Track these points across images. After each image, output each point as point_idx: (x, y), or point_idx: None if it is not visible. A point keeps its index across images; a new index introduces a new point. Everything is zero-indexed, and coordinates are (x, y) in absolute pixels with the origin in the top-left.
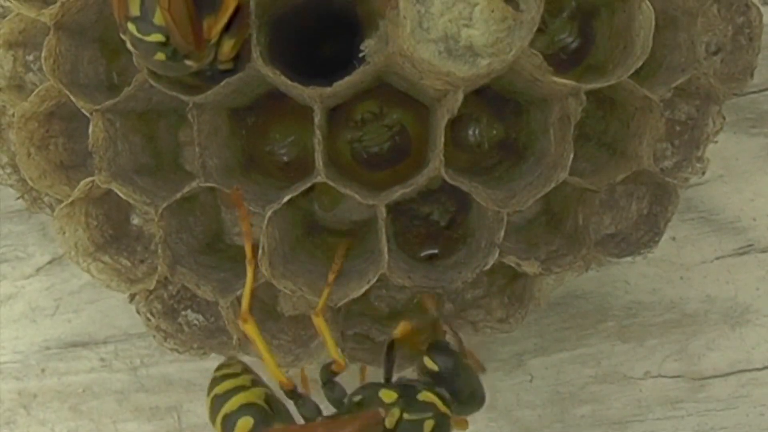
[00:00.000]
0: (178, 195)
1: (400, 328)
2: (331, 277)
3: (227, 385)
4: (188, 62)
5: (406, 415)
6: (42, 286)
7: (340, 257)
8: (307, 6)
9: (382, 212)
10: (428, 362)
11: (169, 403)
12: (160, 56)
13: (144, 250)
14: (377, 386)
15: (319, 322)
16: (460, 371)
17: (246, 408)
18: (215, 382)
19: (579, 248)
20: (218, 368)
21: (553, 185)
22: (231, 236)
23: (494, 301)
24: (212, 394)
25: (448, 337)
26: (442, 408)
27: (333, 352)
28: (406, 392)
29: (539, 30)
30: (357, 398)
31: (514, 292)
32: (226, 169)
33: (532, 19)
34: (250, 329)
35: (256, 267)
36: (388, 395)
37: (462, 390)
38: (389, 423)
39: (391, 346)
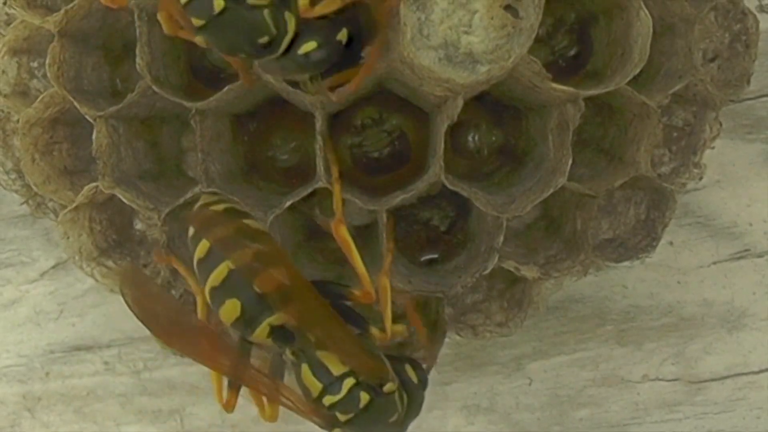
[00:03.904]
0: (181, 200)
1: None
2: (390, 246)
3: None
4: (251, 0)
5: (401, 393)
6: (46, 291)
7: (391, 234)
8: None
9: (383, 217)
10: (410, 371)
11: (172, 406)
12: (219, 2)
13: (147, 255)
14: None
15: (386, 283)
16: (420, 402)
17: None
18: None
19: (577, 253)
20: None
21: (551, 191)
22: None
23: (493, 306)
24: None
25: None
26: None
27: (388, 322)
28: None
29: (540, 40)
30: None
31: (514, 297)
32: (229, 174)
33: (531, 26)
34: (343, 232)
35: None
36: (387, 371)
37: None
38: (388, 389)
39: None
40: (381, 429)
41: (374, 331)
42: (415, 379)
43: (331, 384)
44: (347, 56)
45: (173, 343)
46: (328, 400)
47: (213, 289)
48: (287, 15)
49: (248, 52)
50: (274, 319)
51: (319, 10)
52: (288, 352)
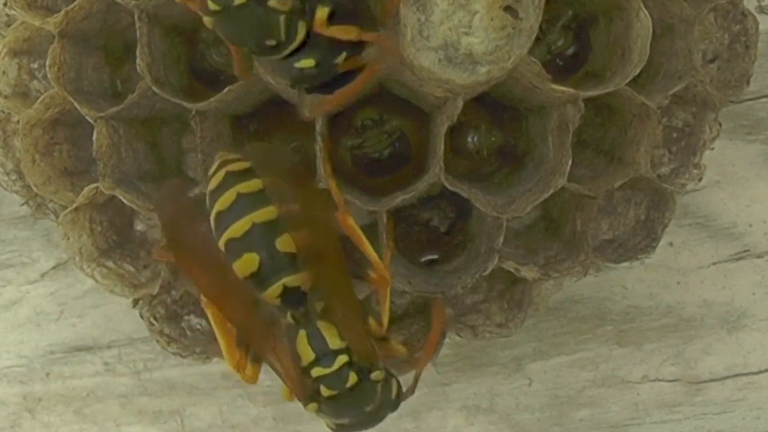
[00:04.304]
0: None
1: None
2: (390, 244)
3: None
4: (272, 3)
5: (384, 386)
6: (47, 291)
7: (390, 234)
8: None
9: (383, 218)
10: (394, 386)
11: (172, 406)
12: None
13: (147, 256)
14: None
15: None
16: (382, 417)
17: None
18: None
19: (577, 254)
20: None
21: (551, 191)
22: None
23: (493, 306)
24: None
25: None
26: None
27: (386, 315)
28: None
29: (537, 38)
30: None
31: (513, 297)
32: None
33: (530, 27)
34: (350, 222)
35: None
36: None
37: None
38: (375, 376)
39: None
40: (355, 414)
41: (372, 322)
42: (393, 395)
43: (324, 356)
44: (338, 78)
45: (191, 273)
46: (317, 371)
47: (231, 241)
48: (300, 24)
49: (251, 48)
50: (290, 279)
51: (334, 32)
52: (289, 315)
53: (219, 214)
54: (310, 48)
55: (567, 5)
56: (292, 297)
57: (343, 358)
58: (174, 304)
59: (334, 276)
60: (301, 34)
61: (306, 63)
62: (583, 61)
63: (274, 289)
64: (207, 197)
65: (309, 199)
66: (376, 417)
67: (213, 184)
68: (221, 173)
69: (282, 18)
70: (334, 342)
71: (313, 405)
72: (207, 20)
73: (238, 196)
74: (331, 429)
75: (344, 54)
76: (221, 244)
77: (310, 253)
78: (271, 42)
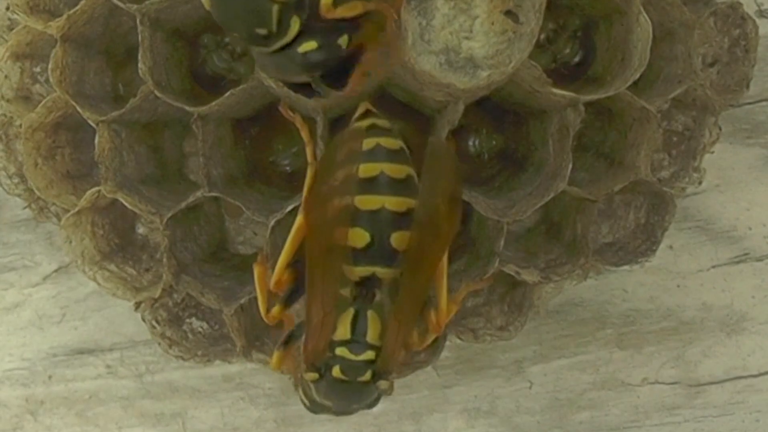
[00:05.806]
0: (183, 204)
1: None
2: None
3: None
4: None
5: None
6: (49, 294)
7: None
8: None
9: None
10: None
11: (174, 409)
12: None
13: (149, 259)
14: None
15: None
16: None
17: None
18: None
19: (578, 257)
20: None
21: (552, 195)
22: (235, 245)
23: (494, 309)
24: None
25: None
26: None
27: (445, 298)
28: None
29: (543, 46)
30: None
31: (514, 300)
32: (230, 179)
33: (531, 32)
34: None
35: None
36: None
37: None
38: (383, 384)
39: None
40: (341, 404)
41: (414, 334)
42: (369, 402)
43: (357, 343)
44: (345, 61)
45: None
46: (342, 351)
47: (353, 207)
48: (293, 19)
49: (243, 36)
50: (383, 271)
51: (341, 12)
52: (349, 291)
53: (352, 175)
54: (309, 33)
55: (572, 12)
56: (371, 283)
57: (370, 354)
58: (176, 307)
59: (415, 290)
60: (293, 29)
61: (309, 46)
62: (587, 68)
63: (363, 271)
64: (346, 142)
65: (447, 218)
66: (349, 413)
67: (366, 145)
68: (372, 141)
69: (275, 8)
70: (373, 336)
71: (314, 375)
72: (204, 1)
73: (381, 174)
74: (305, 403)
75: (346, 36)
76: (343, 203)
77: (412, 260)
78: (262, 31)
